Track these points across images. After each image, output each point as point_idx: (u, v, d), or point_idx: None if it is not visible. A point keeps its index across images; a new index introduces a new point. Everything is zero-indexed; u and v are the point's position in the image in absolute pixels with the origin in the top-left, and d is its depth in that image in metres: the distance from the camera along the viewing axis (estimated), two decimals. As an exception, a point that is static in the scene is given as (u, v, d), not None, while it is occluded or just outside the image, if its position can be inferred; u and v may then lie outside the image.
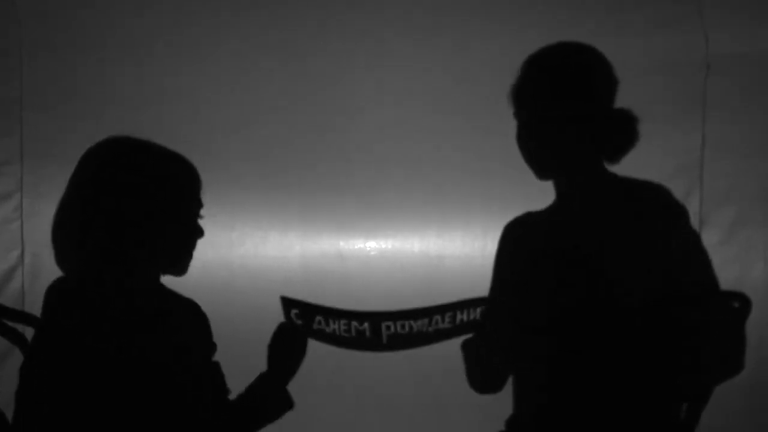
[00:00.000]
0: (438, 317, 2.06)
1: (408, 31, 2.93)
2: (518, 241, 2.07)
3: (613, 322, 1.94)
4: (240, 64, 2.86)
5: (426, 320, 2.06)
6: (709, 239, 2.95)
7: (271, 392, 2.05)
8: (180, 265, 1.91)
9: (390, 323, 2.07)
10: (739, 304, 2.05)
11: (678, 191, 2.90)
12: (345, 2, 2.96)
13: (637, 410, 1.96)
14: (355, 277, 2.82)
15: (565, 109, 1.96)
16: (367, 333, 2.06)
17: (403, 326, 2.07)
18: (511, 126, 2.02)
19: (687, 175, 3.02)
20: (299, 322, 2.08)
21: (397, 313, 2.06)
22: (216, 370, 2.02)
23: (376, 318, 2.07)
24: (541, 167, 2.00)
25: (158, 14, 2.98)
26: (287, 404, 2.07)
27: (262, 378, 2.06)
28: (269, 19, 2.96)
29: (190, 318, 1.96)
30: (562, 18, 2.87)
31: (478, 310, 2.06)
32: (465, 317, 2.06)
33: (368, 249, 2.94)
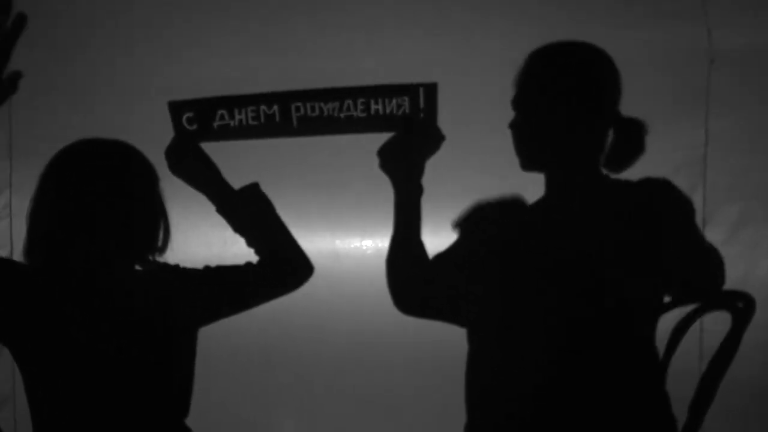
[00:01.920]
0: (350, 102, 2.02)
1: (407, 27, 2.92)
2: (499, 223, 2.06)
3: (601, 324, 1.93)
4: (231, 61, 2.85)
5: (337, 104, 2.02)
6: (713, 238, 2.94)
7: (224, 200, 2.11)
8: (152, 247, 1.99)
9: (299, 104, 2.03)
10: (743, 305, 2.04)
11: (682, 187, 2.92)
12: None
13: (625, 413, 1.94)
14: (351, 276, 2.81)
15: (563, 105, 1.97)
16: (277, 117, 2.03)
17: (313, 108, 2.03)
18: (499, 114, 2.03)
19: (690, 172, 3.00)
20: (194, 126, 2.05)
21: (306, 92, 2.03)
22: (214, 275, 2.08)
23: (285, 99, 2.03)
24: (527, 158, 2.01)
25: (150, 11, 2.97)
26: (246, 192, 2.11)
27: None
28: (262, 16, 2.94)
29: (165, 287, 2.02)
30: (563, 12, 2.87)
31: (394, 101, 2.01)
32: (380, 108, 2.01)
33: (364, 248, 2.93)
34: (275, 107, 2.04)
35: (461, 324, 2.07)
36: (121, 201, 1.94)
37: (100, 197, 1.92)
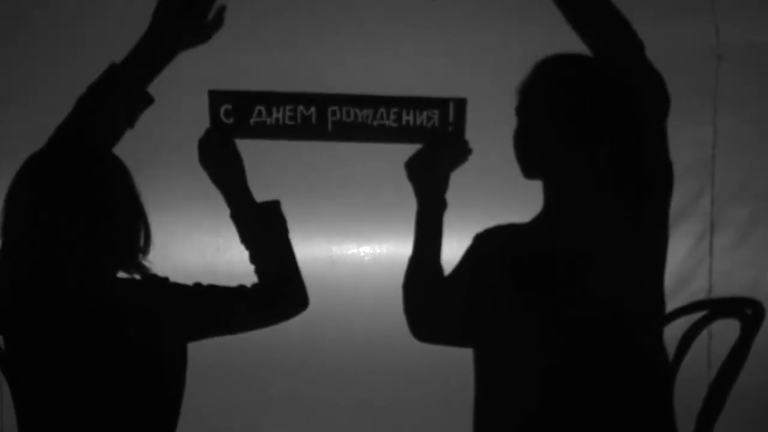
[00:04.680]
0: (383, 110, 2.09)
1: (406, 31, 2.91)
2: (504, 247, 2.07)
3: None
4: (225, 61, 2.83)
5: (371, 111, 2.09)
6: (721, 242, 2.94)
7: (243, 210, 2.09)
8: (134, 249, 1.97)
9: (336, 108, 2.09)
10: (752, 312, 2.03)
11: (689, 190, 2.92)
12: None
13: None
14: (348, 283, 2.81)
15: (563, 114, 1.97)
16: (313, 119, 2.08)
17: (348, 113, 2.09)
18: (509, 127, 2.05)
19: (698, 173, 2.99)
20: (230, 120, 2.07)
21: (343, 97, 2.10)
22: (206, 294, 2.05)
23: (322, 101, 2.09)
24: (530, 167, 2.04)
25: (139, 9, 2.95)
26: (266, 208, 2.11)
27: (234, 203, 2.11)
28: (257, 14, 2.93)
29: (152, 298, 2.01)
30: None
31: (425, 113, 2.09)
32: (411, 119, 2.09)
33: (362, 254, 2.92)
34: (313, 108, 2.09)
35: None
36: (94, 205, 1.92)
37: (71, 203, 1.91)
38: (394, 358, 2.84)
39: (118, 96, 2.07)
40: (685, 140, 2.95)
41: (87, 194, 1.92)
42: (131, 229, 1.98)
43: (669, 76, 2.91)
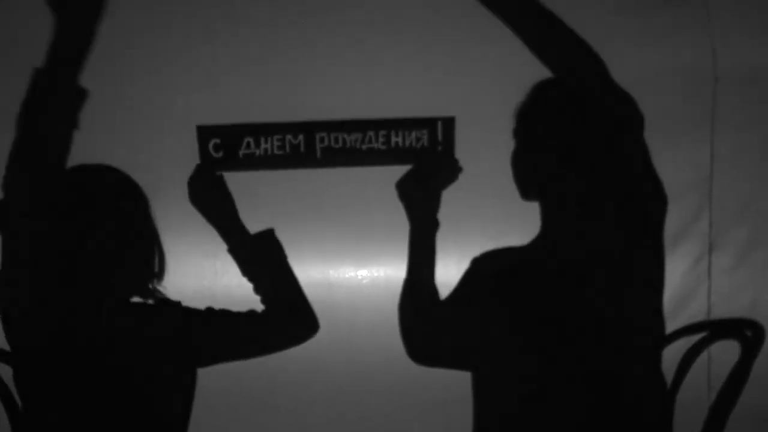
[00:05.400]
0: (371, 133, 2.11)
1: (392, 51, 2.92)
2: (501, 271, 2.08)
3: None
4: (216, 79, 2.84)
5: (359, 135, 2.12)
6: (720, 263, 2.93)
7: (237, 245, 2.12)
8: (149, 274, 2.00)
9: (324, 134, 2.11)
10: (752, 333, 2.03)
11: (688, 210, 2.92)
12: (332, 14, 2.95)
13: None
14: (346, 307, 2.80)
15: (558, 137, 1.98)
16: (302, 147, 2.10)
17: (336, 139, 2.11)
18: (507, 146, 2.08)
19: (696, 193, 2.99)
20: (219, 154, 2.09)
21: (331, 123, 2.12)
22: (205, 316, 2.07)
23: (309, 128, 2.11)
24: (527, 189, 2.07)
25: (131, 15, 2.95)
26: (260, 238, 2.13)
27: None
28: (245, 48, 2.94)
29: (165, 323, 2.02)
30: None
31: (414, 134, 2.11)
32: (400, 140, 2.11)
33: (359, 277, 2.92)
34: (301, 137, 2.12)
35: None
36: (113, 229, 1.93)
37: (91, 227, 1.92)
38: (394, 380, 2.82)
39: (53, 101, 1.98)
40: (683, 161, 2.96)
41: (107, 221, 1.95)
42: (147, 256, 1.99)
43: (667, 98, 2.94)
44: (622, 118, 2.04)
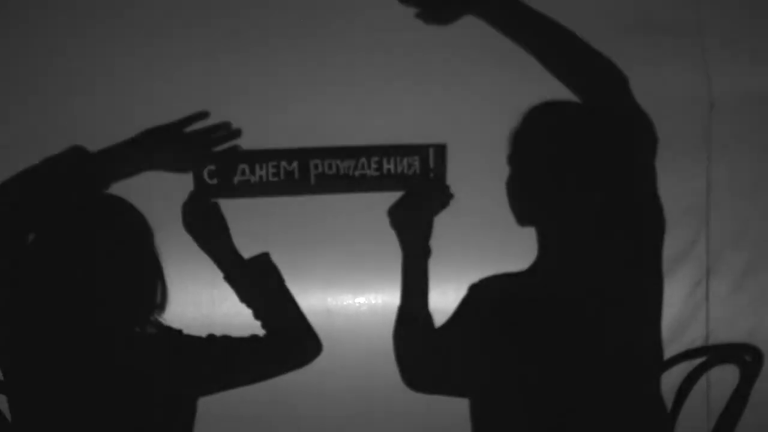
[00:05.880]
0: (364, 160, 2.12)
1: (387, 79, 2.94)
2: (499, 297, 2.08)
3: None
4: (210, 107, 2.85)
5: (352, 161, 2.12)
6: (718, 289, 2.93)
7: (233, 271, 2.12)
8: (152, 306, 1.98)
9: (318, 161, 2.12)
10: (750, 358, 2.03)
11: (685, 236, 2.93)
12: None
13: None
14: (344, 334, 2.80)
15: (558, 165, 2.00)
16: (296, 173, 2.11)
17: (330, 166, 2.12)
18: (500, 172, 2.08)
19: (693, 219, 2.99)
20: (214, 180, 2.10)
21: (325, 149, 2.13)
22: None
23: (304, 155, 2.12)
24: (523, 214, 2.07)
25: (131, 45, 2.96)
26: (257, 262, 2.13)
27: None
28: (240, 74, 2.95)
29: (167, 353, 2.01)
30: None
31: (405, 160, 2.12)
32: (392, 167, 2.12)
33: (358, 304, 2.92)
34: (295, 163, 2.12)
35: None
36: (115, 261, 1.93)
37: (96, 260, 1.93)
38: (393, 407, 2.82)
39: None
40: (680, 187, 2.96)
41: (112, 252, 1.94)
42: (150, 288, 1.99)
43: (662, 124, 2.94)
44: (630, 134, 2.04)
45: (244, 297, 2.12)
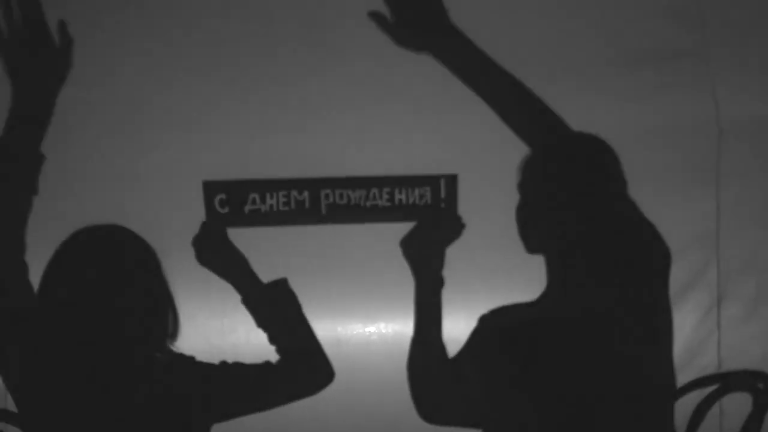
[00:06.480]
0: (375, 190, 2.13)
1: (397, 109, 2.95)
2: (509, 327, 2.08)
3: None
4: (219, 148, 2.86)
5: (363, 192, 2.13)
6: (730, 315, 2.92)
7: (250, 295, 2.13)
8: (164, 335, 1.99)
9: (329, 191, 2.13)
10: (763, 385, 2.03)
11: (695, 262, 2.92)
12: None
13: None
14: (355, 363, 2.79)
15: (562, 192, 2.01)
16: (307, 203, 2.12)
17: (341, 196, 2.13)
18: (510, 202, 2.10)
19: (704, 245, 2.99)
20: (225, 210, 2.11)
21: (336, 179, 2.14)
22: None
23: (314, 185, 2.13)
24: (532, 243, 2.09)
25: (125, 32, 2.96)
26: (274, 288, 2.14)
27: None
28: (250, 91, 2.96)
29: (180, 381, 2.02)
30: (568, 84, 2.88)
31: (417, 191, 2.13)
32: (404, 198, 2.13)
33: (368, 333, 2.92)
34: (306, 193, 2.13)
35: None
36: (124, 291, 1.94)
37: (107, 292, 1.93)
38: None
39: (14, 168, 2.00)
40: (689, 213, 2.97)
41: (123, 285, 1.95)
42: (162, 317, 2.00)
43: (671, 150, 2.95)
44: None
45: (261, 321, 2.12)
